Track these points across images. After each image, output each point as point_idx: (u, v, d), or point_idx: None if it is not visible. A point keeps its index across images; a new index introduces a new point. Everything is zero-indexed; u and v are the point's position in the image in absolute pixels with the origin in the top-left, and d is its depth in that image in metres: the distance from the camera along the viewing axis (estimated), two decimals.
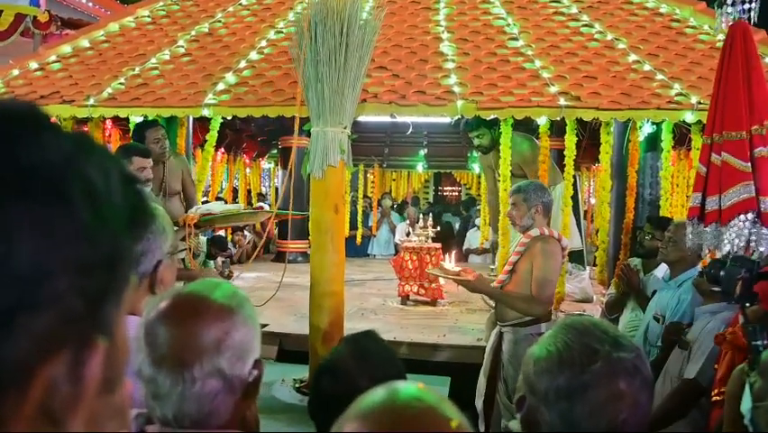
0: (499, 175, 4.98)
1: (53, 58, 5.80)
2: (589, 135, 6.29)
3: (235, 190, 10.00)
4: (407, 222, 8.85)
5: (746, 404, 1.38)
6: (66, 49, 5.93)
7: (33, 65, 5.74)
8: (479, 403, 3.25)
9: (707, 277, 2.31)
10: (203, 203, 4.67)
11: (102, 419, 0.44)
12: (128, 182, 0.46)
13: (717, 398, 2.33)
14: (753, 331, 1.91)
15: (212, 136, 5.23)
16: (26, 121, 0.40)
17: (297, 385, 3.54)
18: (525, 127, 5.17)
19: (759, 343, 1.84)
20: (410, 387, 0.70)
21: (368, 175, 11.58)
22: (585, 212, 9.99)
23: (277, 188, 10.49)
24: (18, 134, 0.39)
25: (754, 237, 2.37)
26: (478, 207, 9.27)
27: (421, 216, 6.35)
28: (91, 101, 4.98)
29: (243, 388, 0.96)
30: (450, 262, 3.57)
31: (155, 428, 0.95)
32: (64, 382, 0.39)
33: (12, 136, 0.39)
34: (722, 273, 2.16)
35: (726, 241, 2.37)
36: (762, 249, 2.37)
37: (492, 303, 3.57)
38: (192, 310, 0.95)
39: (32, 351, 0.37)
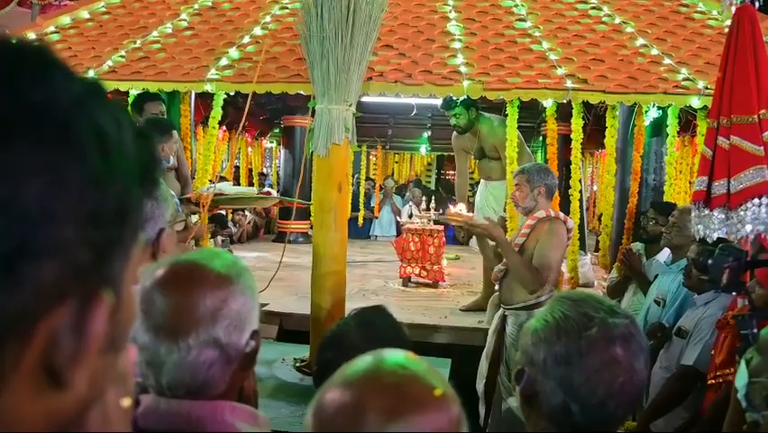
0: (474, 157, 4.99)
1: (52, 29, 5.72)
2: (593, 121, 6.24)
3: (236, 170, 9.98)
4: (411, 203, 8.84)
5: (741, 380, 1.39)
6: (65, 20, 5.84)
7: (31, 36, 5.66)
8: (480, 385, 3.25)
9: (695, 265, 2.32)
10: (210, 182, 4.64)
11: (105, 380, 0.43)
12: (140, 138, 0.44)
13: (713, 381, 2.34)
14: (742, 320, 1.93)
15: (216, 112, 5.18)
16: (38, 60, 0.38)
17: (297, 364, 3.54)
18: (498, 111, 5.12)
19: (748, 332, 1.86)
20: (397, 355, 0.69)
21: (370, 157, 11.54)
22: (587, 198, 9.99)
23: (278, 169, 10.46)
24: (28, 73, 0.37)
25: None
26: (474, 191, 9.24)
27: (424, 198, 6.34)
28: (91, 73, 4.92)
29: (240, 359, 0.94)
30: (461, 208, 3.41)
31: (149, 397, 0.94)
32: (67, 335, 0.38)
33: (21, 74, 0.37)
34: (710, 262, 2.14)
35: (741, 225, 2.35)
36: None
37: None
38: (189, 278, 0.93)
39: (35, 301, 0.36)
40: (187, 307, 0.90)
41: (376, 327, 1.40)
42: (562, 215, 3.12)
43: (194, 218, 3.62)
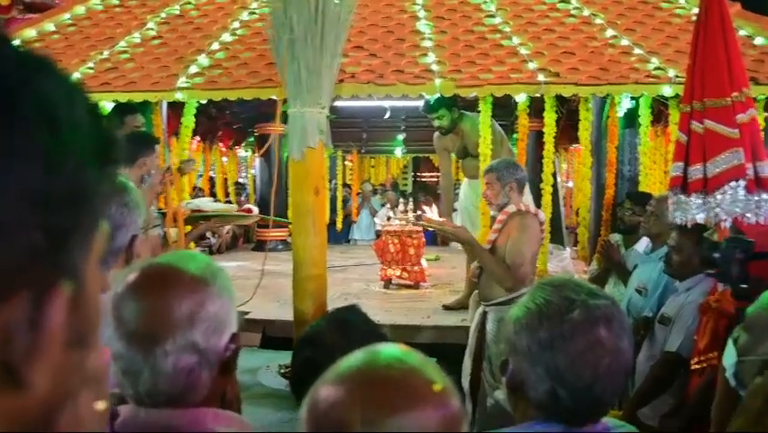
0: (457, 156, 4.95)
1: (17, 43, 5.59)
2: (567, 116, 6.29)
3: (212, 180, 9.86)
4: (388, 206, 8.82)
5: (729, 359, 1.39)
6: (30, 33, 5.73)
7: None
8: (465, 383, 3.24)
9: (700, 260, 2.22)
10: (191, 197, 4.58)
11: (73, 379, 0.39)
12: (96, 115, 0.41)
13: (697, 366, 2.35)
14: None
15: (188, 121, 5.10)
16: None
17: (281, 371, 3.50)
18: (471, 108, 5.13)
19: None
20: (392, 349, 0.66)
21: (346, 162, 11.50)
22: (564, 196, 10.06)
23: (255, 177, 10.37)
24: None
25: (752, 205, 2.35)
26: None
27: (401, 200, 6.31)
28: None
29: (220, 363, 0.91)
30: (433, 213, 3.49)
31: (128, 408, 0.90)
32: (22, 329, 0.34)
33: None
34: (716, 255, 2.10)
35: (718, 209, 2.35)
36: (758, 216, 2.36)
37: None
38: (163, 282, 0.89)
39: None
40: (162, 311, 0.87)
41: (349, 323, 1.37)
42: (533, 207, 3.12)
43: (173, 233, 3.53)
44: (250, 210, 4.33)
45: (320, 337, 1.34)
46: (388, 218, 6.09)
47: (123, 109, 4.25)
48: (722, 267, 2.07)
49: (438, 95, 4.53)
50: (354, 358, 0.64)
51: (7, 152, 0.33)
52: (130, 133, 3.76)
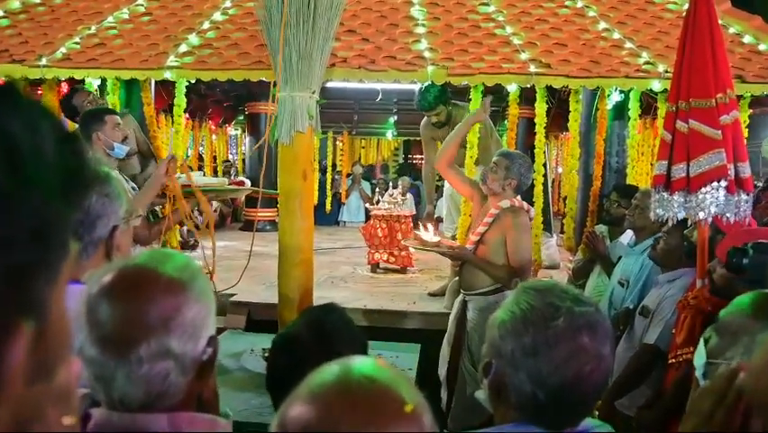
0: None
1: (0, 13, 5.50)
2: (557, 104, 6.30)
3: (200, 158, 9.80)
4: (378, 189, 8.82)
5: (700, 359, 1.42)
6: (14, 4, 5.59)
7: None
8: (442, 371, 3.27)
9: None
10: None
11: (39, 407, 0.39)
12: (64, 141, 0.39)
13: (674, 360, 2.39)
14: None
15: (180, 100, 5.04)
16: None
17: (265, 355, 3.51)
18: (462, 95, 5.10)
19: None
20: (365, 364, 0.65)
21: (336, 142, 11.47)
22: (552, 180, 10.10)
23: (244, 156, 10.32)
24: None
25: (732, 205, 2.39)
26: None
27: (390, 183, 6.31)
28: (44, 61, 4.74)
29: (197, 368, 0.89)
30: (428, 232, 3.49)
31: (100, 411, 0.88)
32: None
33: None
34: (745, 261, 2.05)
35: (699, 208, 2.38)
36: (737, 216, 2.40)
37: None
38: (138, 284, 0.87)
39: None
40: (136, 316, 0.84)
41: (326, 324, 1.37)
42: (525, 204, 3.17)
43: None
44: (242, 183, 4.29)
45: (296, 343, 1.34)
46: (377, 202, 6.11)
47: (69, 94, 4.22)
48: (753, 273, 2.02)
49: (432, 92, 4.48)
50: (327, 374, 0.64)
51: None
52: (82, 114, 3.70)
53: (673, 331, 2.48)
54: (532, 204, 4.22)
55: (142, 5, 5.51)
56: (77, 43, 4.97)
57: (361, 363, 0.65)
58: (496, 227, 3.06)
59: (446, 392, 3.22)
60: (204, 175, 4.68)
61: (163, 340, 0.85)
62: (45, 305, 0.38)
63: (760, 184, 5.26)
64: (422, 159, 5.75)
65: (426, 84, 4.50)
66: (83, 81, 4.84)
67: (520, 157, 3.23)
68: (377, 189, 9.02)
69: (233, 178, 9.01)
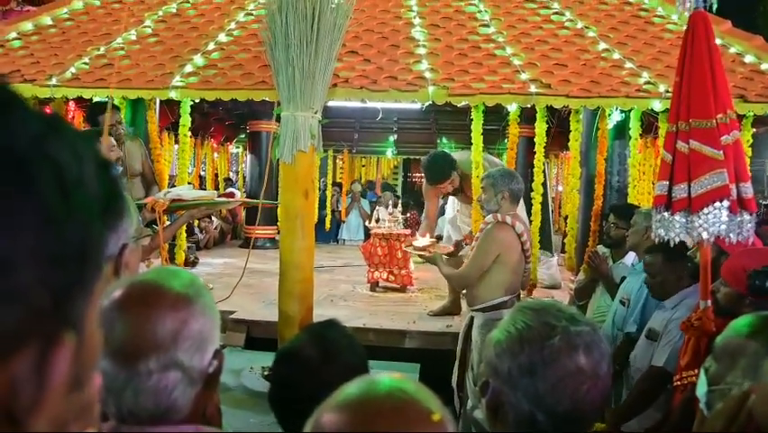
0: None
1: (13, 35, 5.58)
2: (558, 123, 6.34)
3: (201, 176, 9.84)
4: (379, 207, 8.82)
5: (702, 389, 1.42)
6: (27, 26, 5.71)
7: None
8: (454, 383, 3.33)
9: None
10: (170, 186, 4.59)
11: (68, 418, 0.41)
12: (103, 167, 0.43)
13: (679, 383, 2.38)
14: None
15: (185, 120, 5.07)
16: None
17: (265, 373, 3.50)
18: (463, 115, 5.06)
19: None
20: (389, 378, 0.67)
21: (337, 161, 11.50)
22: (553, 199, 10.12)
23: (245, 174, 10.35)
24: None
25: (735, 226, 2.38)
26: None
27: (390, 202, 6.33)
28: (54, 81, 4.81)
29: (204, 380, 0.92)
30: (421, 239, 3.73)
31: (109, 425, 0.90)
32: (28, 382, 0.36)
33: None
34: None
35: (701, 229, 2.38)
36: (741, 236, 2.39)
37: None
38: (146, 300, 0.90)
39: None
40: (145, 330, 0.88)
41: (328, 338, 1.38)
42: (509, 219, 3.14)
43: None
44: (232, 195, 4.28)
45: (299, 354, 1.35)
46: (377, 220, 6.11)
47: (98, 107, 4.29)
48: None
49: (438, 162, 4.27)
50: (353, 387, 0.66)
51: (20, 223, 0.35)
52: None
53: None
54: (530, 222, 4.21)
55: (150, 27, 5.59)
56: (86, 63, 5.04)
57: (385, 377, 0.67)
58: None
59: (458, 401, 3.28)
60: (193, 188, 4.71)
61: (171, 352, 0.88)
62: (83, 320, 0.41)
63: (766, 203, 5.27)
64: (421, 177, 5.69)
65: (426, 158, 4.35)
66: (91, 101, 4.90)
67: (498, 171, 3.34)
68: (377, 208, 9.04)
69: (227, 191, 9.05)
